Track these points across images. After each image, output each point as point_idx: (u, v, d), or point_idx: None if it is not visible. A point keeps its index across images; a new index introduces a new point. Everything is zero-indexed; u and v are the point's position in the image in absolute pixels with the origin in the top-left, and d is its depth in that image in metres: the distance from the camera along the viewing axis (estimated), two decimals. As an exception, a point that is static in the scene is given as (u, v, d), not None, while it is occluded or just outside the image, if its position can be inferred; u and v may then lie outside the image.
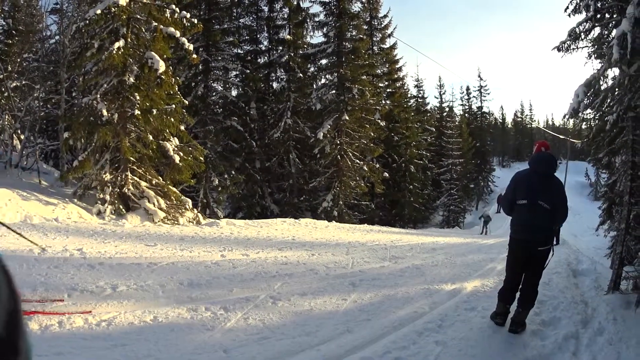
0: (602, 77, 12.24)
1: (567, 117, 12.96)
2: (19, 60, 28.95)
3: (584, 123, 20.88)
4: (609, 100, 13.42)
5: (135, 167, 19.87)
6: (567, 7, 13.62)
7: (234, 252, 12.99)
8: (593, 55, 13.46)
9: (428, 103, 68.01)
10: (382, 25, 46.80)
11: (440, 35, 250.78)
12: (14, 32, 31.71)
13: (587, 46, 13.49)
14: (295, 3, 36.70)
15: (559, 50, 13.77)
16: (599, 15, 12.99)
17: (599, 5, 12.89)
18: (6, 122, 23.07)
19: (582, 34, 13.21)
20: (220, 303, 7.89)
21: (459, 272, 12.85)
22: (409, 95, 55.67)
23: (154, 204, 19.43)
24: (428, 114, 64.03)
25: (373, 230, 26.58)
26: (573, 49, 13.49)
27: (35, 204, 17.57)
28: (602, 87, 12.77)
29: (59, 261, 10.03)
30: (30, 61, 29.34)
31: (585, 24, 13.12)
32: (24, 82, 26.08)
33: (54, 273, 9.04)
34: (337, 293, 9.23)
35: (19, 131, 24.10)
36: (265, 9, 38.28)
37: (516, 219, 7.45)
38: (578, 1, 13.39)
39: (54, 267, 9.49)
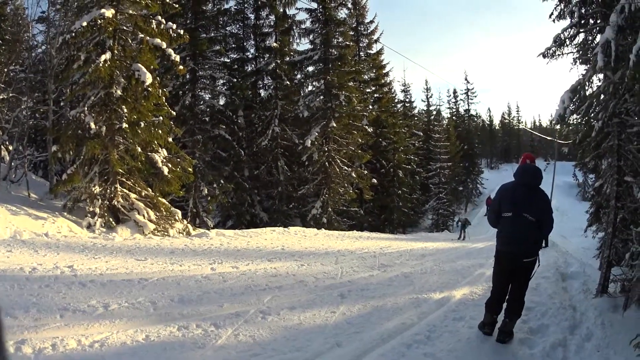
0: (587, 83, 12.35)
1: (553, 123, 13.11)
2: (5, 70, 28.86)
3: (570, 128, 20.97)
4: (594, 107, 13.52)
5: (124, 179, 19.81)
6: (552, 13, 13.73)
7: (224, 265, 13.05)
8: (578, 61, 13.55)
9: (415, 107, 68.51)
10: (369, 31, 46.80)
11: (428, 39, 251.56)
12: (0, 41, 31.64)
13: (572, 52, 13.59)
14: (281, 10, 36.69)
15: (544, 56, 13.85)
16: (583, 21, 13.10)
17: (583, 11, 13.00)
18: None
19: (566, 40, 13.30)
20: (210, 319, 7.89)
21: (447, 279, 12.90)
22: (396, 100, 55.82)
23: (143, 215, 19.35)
24: (415, 119, 64.36)
25: (362, 237, 26.61)
26: (558, 54, 13.58)
27: (24, 218, 17.38)
28: (588, 93, 12.88)
29: (50, 280, 9.97)
30: (17, 72, 29.22)
31: (570, 30, 13.21)
32: (11, 94, 26.02)
33: (46, 292, 8.98)
34: (326, 305, 9.26)
35: (7, 142, 23.99)
36: (252, 16, 38.21)
37: (502, 231, 7.53)
38: (562, 7, 13.51)
39: (45, 286, 9.44)
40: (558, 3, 13.68)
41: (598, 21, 12.62)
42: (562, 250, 23.88)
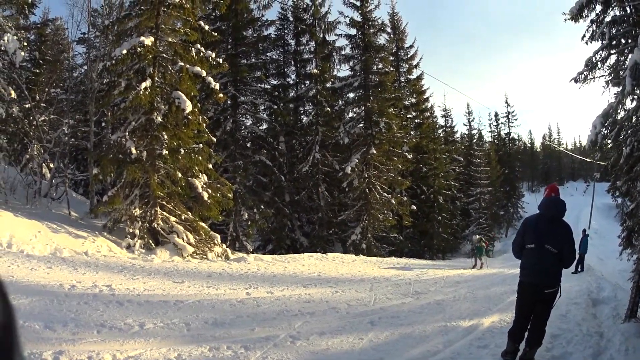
0: (618, 107, 12.12)
1: (586, 148, 12.94)
2: (46, 90, 29.19)
3: (601, 153, 20.67)
4: (624, 131, 13.27)
5: (164, 203, 19.94)
6: (584, 35, 13.55)
7: (259, 290, 13.07)
8: (610, 84, 13.33)
9: (456, 131, 67.86)
10: (409, 56, 46.75)
11: (466, 60, 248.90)
12: (41, 61, 32.05)
13: (603, 75, 13.37)
14: (321, 36, 36.88)
15: (576, 81, 13.66)
16: (614, 42, 12.88)
17: (613, 31, 12.78)
18: (35, 152, 23.22)
19: (598, 62, 13.10)
20: (241, 342, 7.91)
21: (479, 306, 12.70)
22: (437, 126, 55.27)
23: (183, 238, 19.38)
24: (457, 144, 63.80)
25: (400, 263, 26.39)
26: (590, 78, 13.39)
27: (64, 236, 17.62)
28: (619, 117, 12.63)
29: (88, 297, 10.18)
30: (58, 93, 29.54)
31: (601, 52, 13.01)
32: (52, 115, 26.30)
33: (84, 309, 9.19)
34: (355, 332, 9.17)
35: (47, 160, 24.24)
36: (292, 42, 38.52)
37: (525, 262, 7.55)
38: (594, 28, 13.31)
39: (84, 303, 9.64)
40: (590, 24, 13.49)
41: (629, 41, 12.40)
42: (597, 274, 23.72)
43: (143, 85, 18.71)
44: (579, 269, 25.32)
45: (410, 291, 14.78)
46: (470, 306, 12.70)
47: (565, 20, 14.05)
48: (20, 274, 12.12)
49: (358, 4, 36.24)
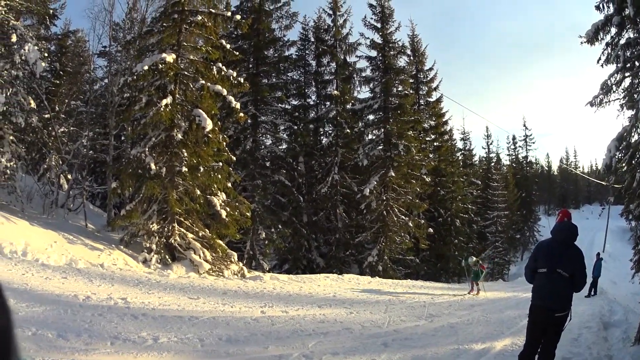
0: (632, 131, 12.04)
1: (601, 172, 12.95)
2: (66, 101, 29.29)
3: (615, 177, 20.55)
4: (638, 155, 13.15)
5: (182, 219, 19.99)
6: (600, 58, 13.51)
7: (274, 309, 13.12)
8: (624, 107, 13.27)
9: (475, 155, 67.71)
10: (428, 78, 46.28)
11: (485, 81, 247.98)
12: (61, 72, 32.16)
13: (618, 98, 13.31)
14: (342, 58, 36.78)
15: (592, 105, 13.66)
16: (628, 65, 12.81)
17: (628, 54, 12.71)
18: (53, 162, 23.27)
19: (613, 85, 13.07)
20: None
21: (492, 330, 12.68)
22: (456, 149, 55.07)
23: (199, 255, 19.46)
24: (475, 167, 63.57)
25: (415, 286, 26.34)
26: (605, 102, 13.39)
27: (81, 248, 17.87)
28: (633, 141, 12.52)
29: (103, 309, 10.33)
30: (78, 105, 29.64)
31: (616, 75, 12.99)
32: (71, 127, 26.38)
33: (98, 320, 9.32)
34: (368, 353, 9.16)
35: (66, 172, 24.29)
36: (313, 63, 38.47)
37: (536, 286, 7.55)
38: (609, 51, 13.26)
39: (98, 314, 9.78)
40: (605, 47, 13.44)
41: (644, 62, 12.35)
42: (610, 297, 24.16)
43: (164, 102, 18.79)
44: (592, 293, 25.34)
45: (425, 314, 14.75)
46: (483, 329, 12.71)
47: (582, 43, 14.04)
48: (34, 283, 12.22)
49: (379, 25, 36.25)
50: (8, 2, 20.31)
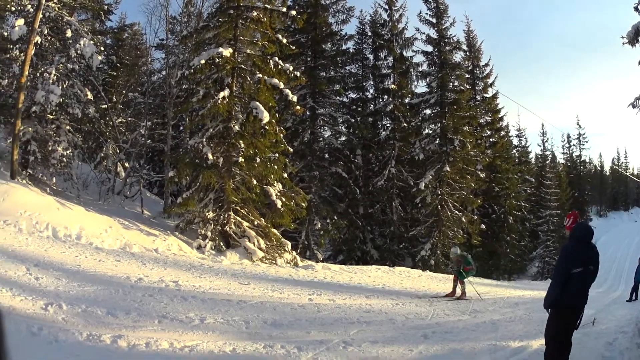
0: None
1: None
2: (123, 92, 29.47)
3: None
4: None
5: (238, 208, 20.28)
6: (641, 60, 13.05)
7: (322, 297, 13.29)
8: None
9: (530, 152, 66.57)
10: (484, 74, 45.44)
11: (539, 79, 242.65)
12: (118, 65, 32.40)
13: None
14: (398, 52, 36.34)
15: (633, 106, 13.12)
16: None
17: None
18: (110, 151, 23.42)
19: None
20: (295, 343, 8.13)
21: (532, 328, 12.12)
22: (511, 146, 54.21)
23: (254, 243, 19.76)
24: (530, 164, 62.50)
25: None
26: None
27: (136, 233, 18.34)
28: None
29: (154, 290, 10.79)
30: (135, 97, 29.82)
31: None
32: (129, 118, 26.58)
33: (148, 301, 9.81)
34: (407, 343, 9.16)
35: (123, 160, 24.45)
36: (371, 57, 38.15)
37: (571, 286, 7.22)
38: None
39: (149, 295, 10.26)
40: None
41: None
42: None
43: (221, 94, 18.95)
44: (634, 297, 24.35)
45: (469, 309, 14.60)
46: (524, 328, 12.42)
47: (623, 44, 13.54)
48: (87, 264, 12.71)
49: (434, 20, 35.93)
50: (61, -2, 20.56)
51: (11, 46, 20.13)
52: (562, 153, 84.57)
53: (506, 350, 9.45)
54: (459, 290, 17.04)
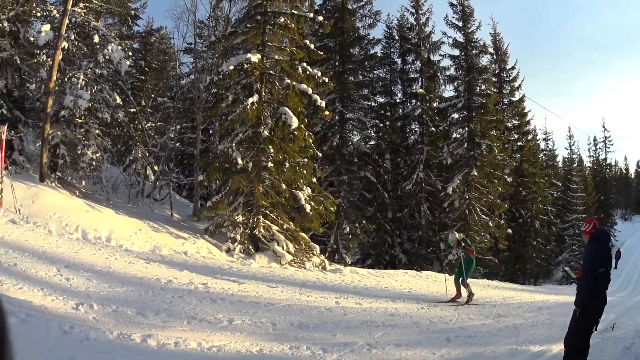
0: None
1: None
2: (152, 96, 29.57)
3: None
4: None
5: (267, 212, 20.39)
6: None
7: (349, 300, 13.33)
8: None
9: (557, 155, 65.99)
10: (511, 77, 44.88)
11: (564, 81, 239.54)
12: (146, 69, 32.52)
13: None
14: (426, 56, 36.20)
15: None
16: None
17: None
18: (139, 154, 23.53)
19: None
20: (321, 345, 8.25)
21: (553, 333, 11.85)
22: (538, 149, 53.72)
23: (283, 247, 19.84)
24: (556, 168, 61.92)
25: (490, 286, 25.88)
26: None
27: (165, 236, 18.47)
28: None
29: (183, 292, 10.94)
30: (164, 101, 29.92)
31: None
32: (158, 122, 26.68)
33: (177, 302, 9.95)
34: (430, 346, 9.25)
35: (152, 163, 24.56)
36: (399, 61, 38.11)
37: (598, 286, 7.47)
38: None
39: (178, 297, 10.39)
40: None
41: None
42: None
43: (250, 100, 19.05)
44: None
45: (493, 313, 14.50)
46: (545, 332, 12.27)
47: None
48: (117, 266, 12.84)
49: (460, 24, 35.71)
50: (87, 4, 20.62)
51: (38, 51, 20.31)
52: (589, 156, 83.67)
53: (526, 354, 9.52)
54: (464, 293, 15.88)
